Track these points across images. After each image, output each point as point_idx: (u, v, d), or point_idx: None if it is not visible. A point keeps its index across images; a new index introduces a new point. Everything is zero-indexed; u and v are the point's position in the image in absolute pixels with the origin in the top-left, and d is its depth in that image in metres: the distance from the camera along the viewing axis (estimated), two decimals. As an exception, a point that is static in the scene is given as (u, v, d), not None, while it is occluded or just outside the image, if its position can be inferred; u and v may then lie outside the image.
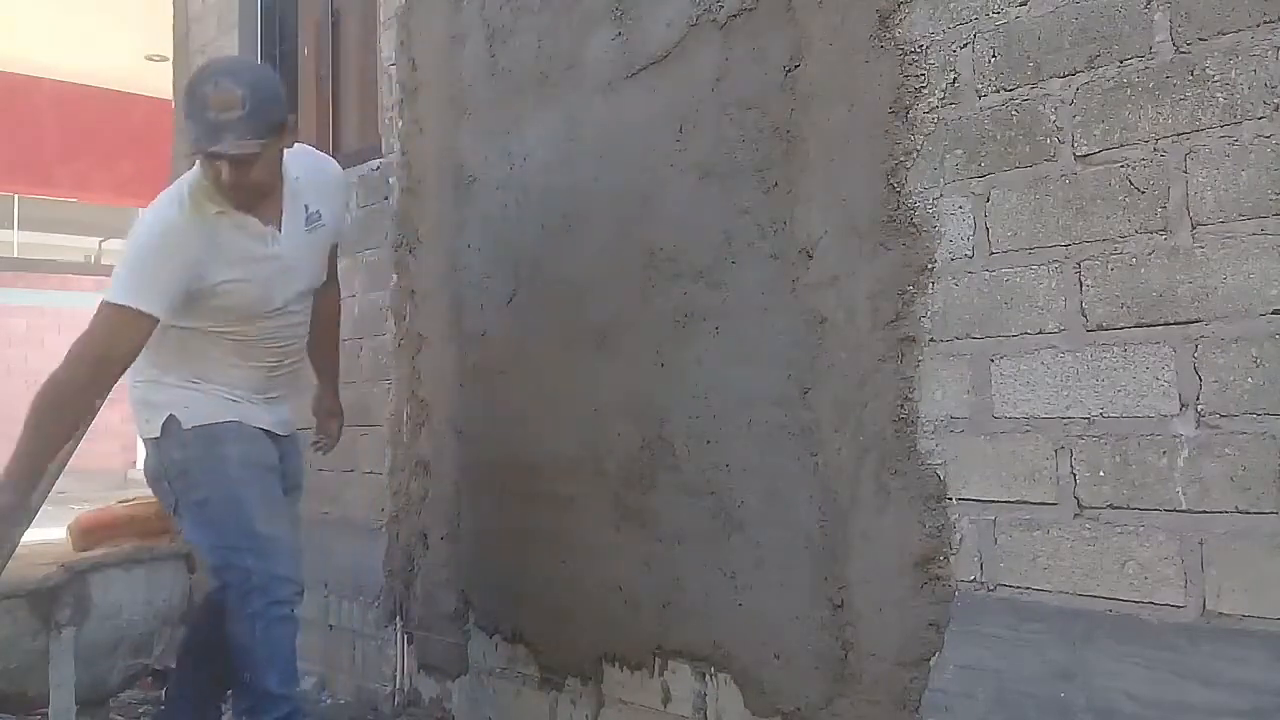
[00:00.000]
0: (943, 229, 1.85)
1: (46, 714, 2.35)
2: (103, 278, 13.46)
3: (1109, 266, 1.63)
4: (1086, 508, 1.65)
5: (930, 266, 1.86)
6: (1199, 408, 1.54)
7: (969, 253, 1.81)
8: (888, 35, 1.93)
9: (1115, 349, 1.62)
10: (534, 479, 2.69)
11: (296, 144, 2.58)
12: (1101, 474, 1.64)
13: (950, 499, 1.83)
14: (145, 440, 2.50)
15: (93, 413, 2.26)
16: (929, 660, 1.84)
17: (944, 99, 1.85)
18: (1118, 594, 1.61)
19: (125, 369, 2.31)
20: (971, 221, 1.81)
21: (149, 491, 2.72)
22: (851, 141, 1.99)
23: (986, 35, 1.80)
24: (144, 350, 2.36)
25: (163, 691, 3.30)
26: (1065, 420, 1.68)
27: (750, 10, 2.19)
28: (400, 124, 3.26)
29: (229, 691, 2.57)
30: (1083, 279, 1.66)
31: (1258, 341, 1.48)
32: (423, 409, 3.12)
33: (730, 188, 2.21)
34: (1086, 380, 1.66)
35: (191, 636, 2.66)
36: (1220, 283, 1.52)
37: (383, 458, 3.28)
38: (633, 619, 2.40)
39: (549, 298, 2.68)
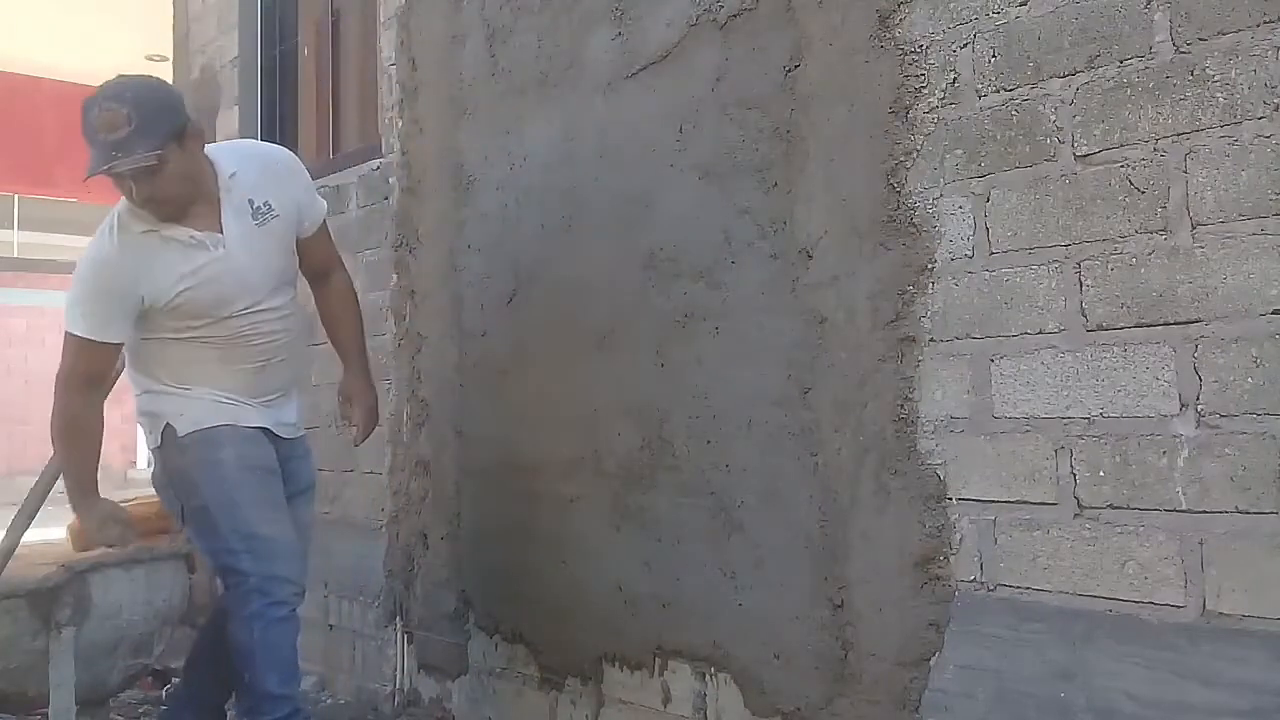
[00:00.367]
0: (943, 229, 1.85)
1: (46, 714, 2.35)
2: (103, 278, 13.48)
3: (1109, 266, 1.63)
4: (1086, 508, 1.65)
5: (930, 266, 1.86)
6: (1199, 408, 1.54)
7: (969, 253, 1.81)
8: (888, 35, 1.93)
9: (1115, 349, 1.62)
10: (534, 479, 2.69)
11: (239, 140, 2.60)
12: (1101, 474, 1.64)
13: (950, 499, 1.83)
14: (151, 450, 2.55)
15: (99, 422, 2.42)
16: (929, 660, 1.84)
17: (944, 99, 1.85)
18: (1118, 594, 1.61)
19: (106, 383, 2.44)
20: (971, 221, 1.81)
21: (149, 491, 2.72)
22: (851, 141, 1.99)
23: (986, 35, 1.80)
24: (136, 363, 2.49)
25: (163, 691, 3.31)
26: (1065, 420, 1.68)
27: (750, 10, 2.18)
28: (400, 124, 3.26)
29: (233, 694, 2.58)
30: (1083, 279, 1.66)
31: (1258, 341, 1.48)
32: (423, 409, 3.12)
33: (730, 188, 2.21)
34: (1086, 380, 1.66)
35: (202, 639, 2.67)
36: (1220, 283, 1.52)
37: (383, 458, 3.28)
38: (633, 619, 2.40)
39: (549, 298, 2.68)
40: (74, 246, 13.45)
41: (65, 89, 8.84)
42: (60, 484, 2.51)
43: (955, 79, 1.84)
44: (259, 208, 2.47)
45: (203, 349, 2.45)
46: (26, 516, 2.63)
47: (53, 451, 2.46)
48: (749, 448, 2.16)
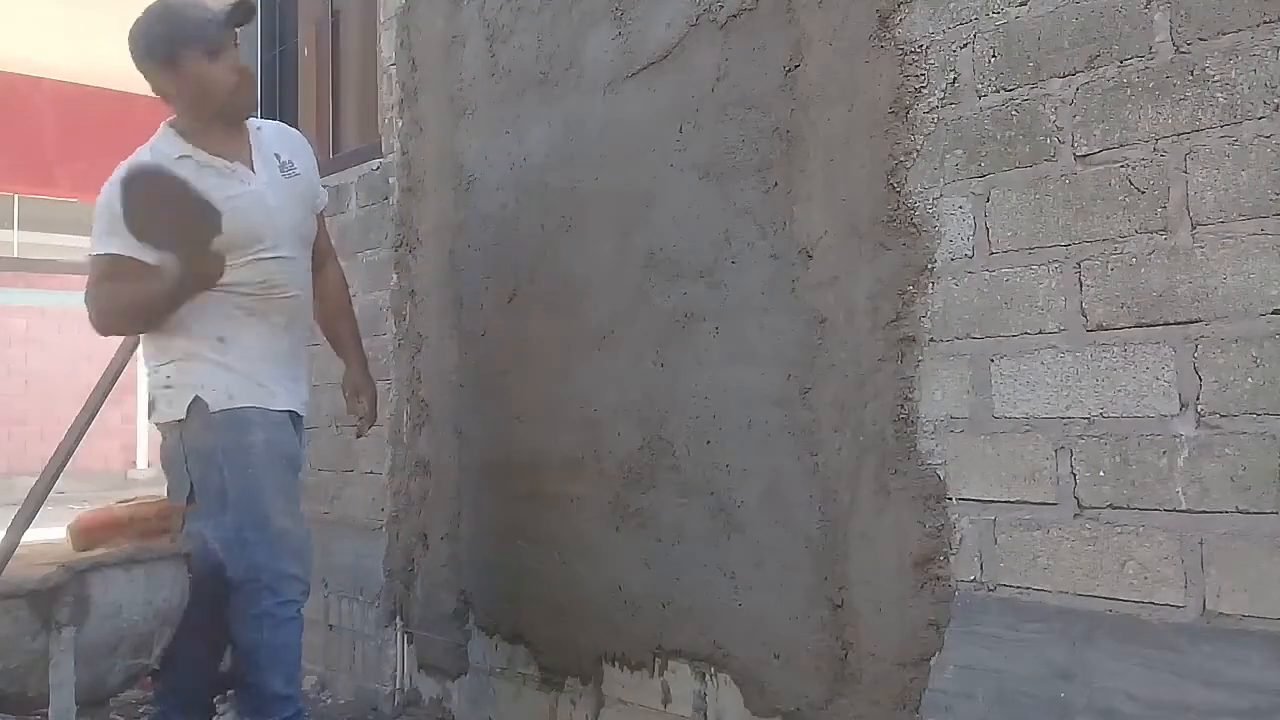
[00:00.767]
0: (943, 229, 1.85)
1: (46, 714, 2.35)
2: (103, 278, 13.49)
3: (1109, 266, 1.63)
4: (1086, 508, 1.65)
5: (930, 266, 1.86)
6: (1199, 408, 1.54)
7: (969, 253, 1.81)
8: (888, 35, 1.93)
9: (1115, 349, 1.62)
10: (534, 479, 2.69)
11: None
12: (1101, 474, 1.64)
13: (950, 499, 1.83)
14: (164, 423, 2.44)
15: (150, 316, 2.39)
16: (929, 660, 1.84)
17: (944, 99, 1.85)
18: (1118, 594, 1.61)
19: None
20: (971, 221, 1.81)
21: (149, 491, 2.71)
22: (851, 141, 1.99)
23: (986, 35, 1.80)
24: (165, 329, 2.39)
25: (162, 692, 3.30)
26: (1065, 420, 1.68)
27: (750, 10, 2.19)
28: (400, 124, 3.26)
29: (226, 692, 2.57)
30: (1083, 279, 1.66)
31: (1258, 341, 1.48)
32: (423, 409, 3.12)
33: (730, 188, 2.21)
34: (1086, 380, 1.66)
35: (182, 633, 2.63)
36: (1220, 283, 1.52)
37: (383, 458, 3.28)
38: (632, 619, 2.40)
39: (549, 298, 2.68)
40: (74, 246, 13.48)
41: (65, 89, 8.85)
42: (60, 485, 2.50)
43: (955, 79, 1.84)
44: (284, 162, 2.53)
45: (238, 301, 2.40)
46: (26, 517, 2.63)
47: (136, 327, 2.43)
48: (749, 448, 2.16)
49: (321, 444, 3.43)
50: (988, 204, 1.79)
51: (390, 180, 3.31)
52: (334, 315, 2.81)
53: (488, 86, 2.90)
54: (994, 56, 1.79)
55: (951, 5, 1.85)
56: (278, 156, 2.52)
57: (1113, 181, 1.63)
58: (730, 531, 2.19)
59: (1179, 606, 1.55)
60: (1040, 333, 1.72)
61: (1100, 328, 1.64)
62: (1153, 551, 1.58)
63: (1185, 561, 1.54)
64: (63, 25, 7.89)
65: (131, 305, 2.36)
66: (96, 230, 2.37)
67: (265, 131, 2.56)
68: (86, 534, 2.94)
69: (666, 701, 2.32)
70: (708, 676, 2.23)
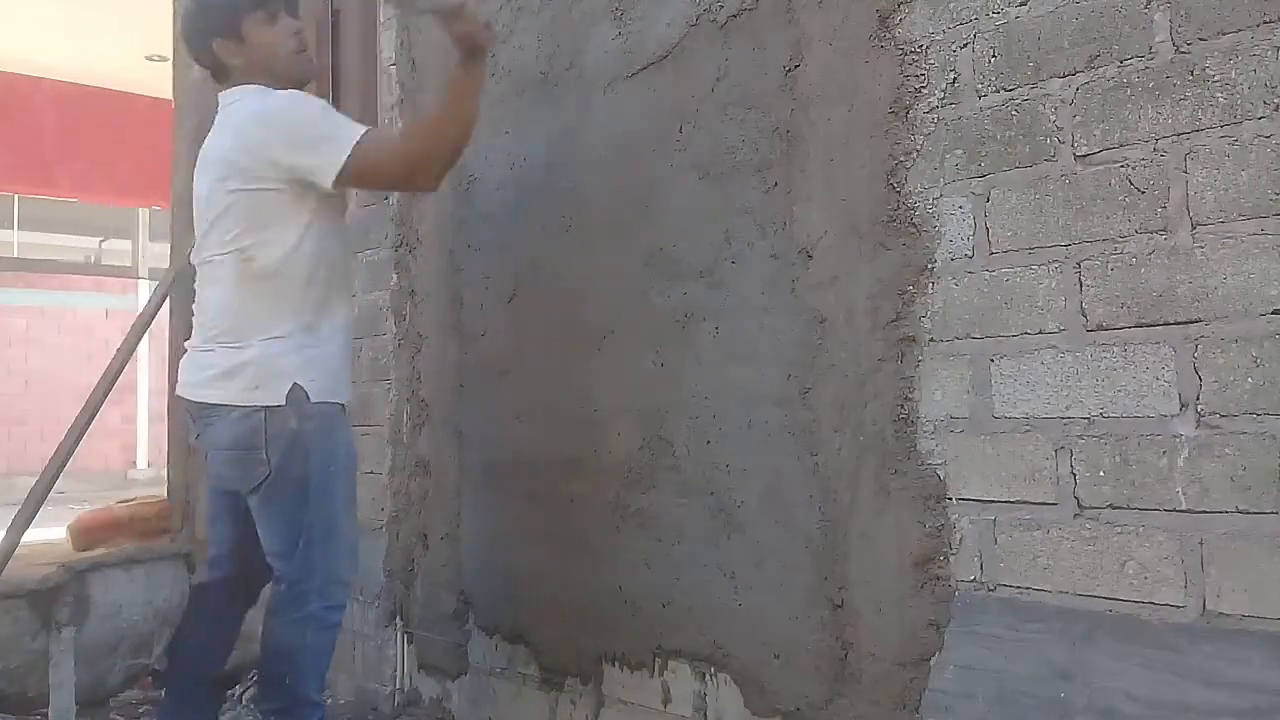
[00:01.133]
0: (943, 229, 1.85)
1: (46, 714, 2.35)
2: (103, 278, 13.51)
3: (1109, 266, 1.63)
4: (1086, 508, 1.65)
5: (930, 266, 1.86)
6: (1199, 408, 1.54)
7: (969, 253, 1.81)
8: (888, 35, 1.93)
9: (1115, 349, 1.62)
10: (534, 479, 2.69)
11: None
12: (1101, 474, 1.64)
13: (950, 499, 1.83)
14: (247, 406, 2.26)
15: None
16: (929, 660, 1.84)
17: (944, 99, 1.85)
18: (1118, 594, 1.61)
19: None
20: (971, 221, 1.81)
21: (149, 491, 2.71)
22: (851, 141, 1.99)
23: (986, 35, 1.80)
24: (263, 301, 2.28)
25: (163, 692, 3.31)
26: (1065, 420, 1.68)
27: (750, 10, 2.19)
28: (400, 124, 3.26)
29: (228, 692, 2.57)
30: (1083, 279, 1.66)
31: (1258, 341, 1.48)
32: (423, 409, 3.12)
33: (730, 188, 2.21)
34: (1086, 380, 1.66)
35: (177, 637, 2.61)
36: (1220, 283, 1.52)
37: (383, 458, 3.28)
38: (633, 619, 2.40)
39: (549, 298, 2.68)
40: (74, 246, 13.51)
41: (65, 89, 8.85)
42: (60, 485, 2.50)
43: (955, 79, 1.84)
44: None
45: (325, 276, 2.35)
46: (26, 517, 2.63)
47: (464, 134, 2.33)
48: (749, 448, 2.16)
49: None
50: (988, 204, 1.79)
51: (390, 180, 3.30)
52: None
53: (488, 86, 2.90)
54: (994, 56, 1.79)
55: (951, 5, 1.85)
56: None
57: (1113, 181, 1.63)
58: (730, 531, 2.19)
59: (1179, 606, 1.55)
60: (1040, 333, 1.72)
61: (1100, 328, 1.64)
62: (1153, 551, 1.58)
63: (1185, 561, 1.54)
64: (63, 25, 7.88)
65: (457, 122, 2.29)
66: (332, 128, 2.26)
67: None
68: (86, 534, 2.95)
69: (666, 701, 2.32)
70: (708, 676, 2.24)
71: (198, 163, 2.41)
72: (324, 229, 2.35)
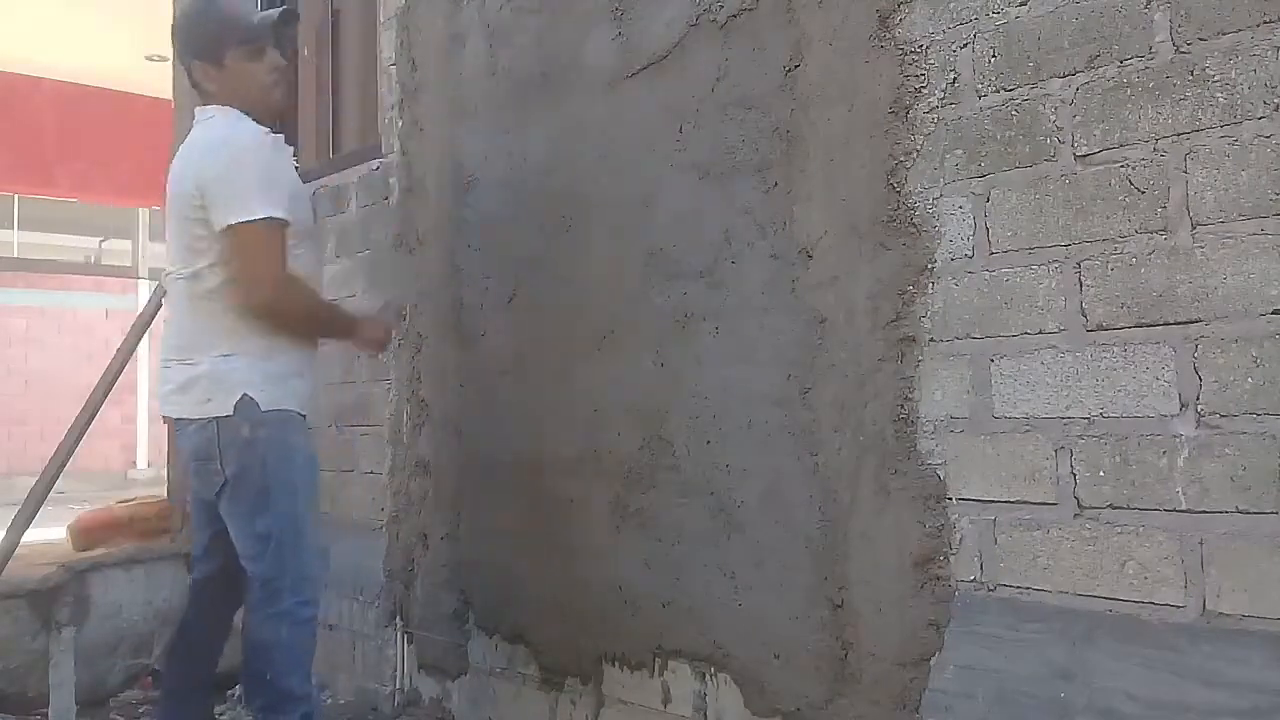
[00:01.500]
0: (943, 229, 1.85)
1: (46, 714, 2.35)
2: (103, 278, 13.51)
3: (1109, 266, 1.63)
4: (1086, 508, 1.65)
5: (930, 266, 1.86)
6: (1199, 408, 1.54)
7: (969, 253, 1.81)
8: (888, 35, 1.93)
9: (1115, 349, 1.62)
10: (534, 479, 2.69)
11: None
12: (1101, 474, 1.64)
13: (950, 499, 1.83)
14: (200, 419, 2.34)
15: (317, 298, 2.46)
16: (929, 660, 1.84)
17: (944, 99, 1.85)
18: (1118, 594, 1.61)
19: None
20: (971, 221, 1.81)
21: (149, 491, 2.72)
22: (851, 141, 1.99)
23: (986, 35, 1.80)
24: (214, 319, 2.33)
25: (161, 693, 3.31)
26: (1065, 420, 1.68)
27: (750, 10, 2.19)
28: (400, 124, 3.26)
29: (227, 692, 2.58)
30: (1083, 279, 1.66)
31: (1258, 341, 1.48)
32: (423, 409, 3.12)
33: (730, 188, 2.21)
34: (1086, 380, 1.66)
35: (174, 636, 2.64)
36: (1220, 283, 1.52)
37: (383, 458, 3.28)
38: (633, 619, 2.40)
39: (549, 298, 2.68)
40: (74, 246, 13.50)
41: (65, 89, 8.85)
42: (60, 485, 2.51)
43: (955, 79, 1.84)
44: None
45: None
46: (26, 517, 2.63)
47: (300, 335, 2.39)
48: (749, 448, 2.16)
49: (322, 444, 3.41)
50: (988, 204, 1.79)
51: (390, 180, 3.30)
52: None
53: (488, 86, 2.90)
54: (994, 56, 1.79)
55: (951, 5, 1.85)
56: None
57: (1113, 181, 1.63)
58: (730, 531, 2.19)
59: (1179, 606, 1.55)
60: (1040, 333, 1.72)
61: (1100, 328, 1.64)
62: (1153, 551, 1.58)
63: (1185, 561, 1.54)
64: (63, 25, 7.88)
65: (310, 313, 2.41)
66: (256, 191, 2.27)
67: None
68: (86, 534, 2.95)
69: (666, 701, 2.32)
70: (708, 676, 2.23)
71: (169, 175, 2.44)
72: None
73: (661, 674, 2.34)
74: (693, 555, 2.27)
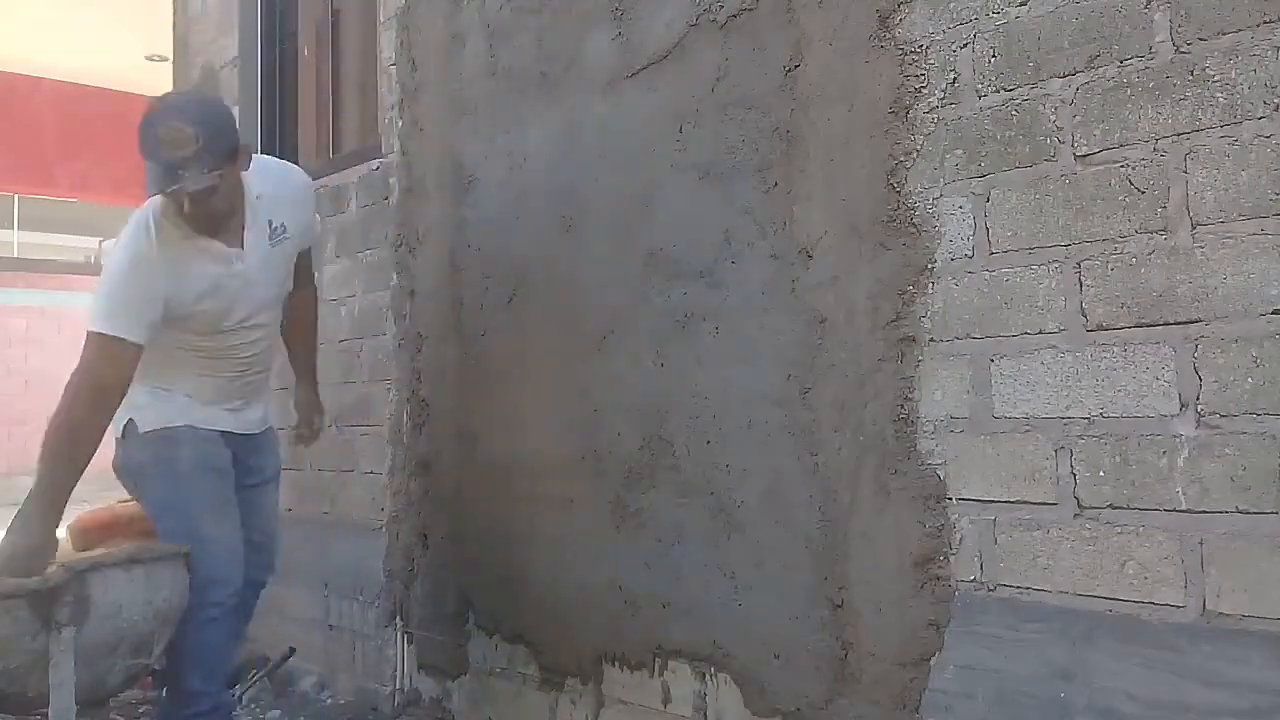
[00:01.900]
0: (943, 229, 1.85)
1: (46, 714, 2.35)
2: (102, 278, 13.51)
3: (1109, 266, 1.63)
4: (1086, 508, 1.65)
5: (930, 266, 1.86)
6: (1199, 408, 1.54)
7: (969, 253, 1.81)
8: (888, 35, 1.93)
9: (1115, 349, 1.62)
10: (534, 479, 2.69)
11: (261, 156, 2.66)
12: (1101, 474, 1.64)
13: (950, 499, 1.83)
14: (115, 440, 2.57)
15: (98, 441, 2.33)
16: (929, 660, 1.84)
17: (944, 99, 1.85)
18: (1118, 594, 1.61)
19: (122, 395, 2.36)
20: (971, 221, 1.81)
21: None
22: (851, 141, 1.99)
23: (986, 35, 1.80)
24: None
25: (162, 691, 3.31)
26: (1065, 420, 1.68)
27: (750, 10, 2.19)
28: (400, 124, 3.26)
29: (230, 691, 2.61)
30: (1083, 279, 1.66)
31: (1258, 341, 1.48)
32: (423, 409, 3.12)
33: (730, 188, 2.21)
34: (1086, 380, 1.66)
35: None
36: (1220, 283, 1.52)
37: (383, 458, 3.28)
38: (633, 619, 2.40)
39: (549, 298, 2.68)
40: (74, 246, 13.50)
41: (65, 89, 8.86)
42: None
43: (955, 79, 1.84)
44: (276, 228, 2.56)
45: (188, 358, 2.53)
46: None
47: (39, 459, 2.32)
48: (749, 448, 2.16)
49: (322, 444, 3.43)
50: (988, 204, 1.79)
51: (390, 180, 3.31)
52: (301, 331, 2.94)
53: (488, 86, 2.90)
54: (994, 56, 1.79)
55: (951, 5, 1.85)
56: (270, 224, 2.54)
57: (1113, 181, 1.63)
58: (730, 531, 2.19)
59: (1179, 606, 1.55)
60: (1040, 333, 1.72)
61: (1100, 328, 1.64)
62: (1153, 551, 1.58)
63: (1185, 561, 1.54)
64: (63, 25, 7.88)
65: (71, 434, 2.31)
66: (106, 299, 2.36)
67: (264, 199, 2.52)
68: (86, 534, 2.94)
69: (666, 701, 2.32)
70: (708, 676, 2.23)
71: None
72: (179, 338, 2.47)
73: (661, 674, 2.34)
74: (693, 555, 2.27)
